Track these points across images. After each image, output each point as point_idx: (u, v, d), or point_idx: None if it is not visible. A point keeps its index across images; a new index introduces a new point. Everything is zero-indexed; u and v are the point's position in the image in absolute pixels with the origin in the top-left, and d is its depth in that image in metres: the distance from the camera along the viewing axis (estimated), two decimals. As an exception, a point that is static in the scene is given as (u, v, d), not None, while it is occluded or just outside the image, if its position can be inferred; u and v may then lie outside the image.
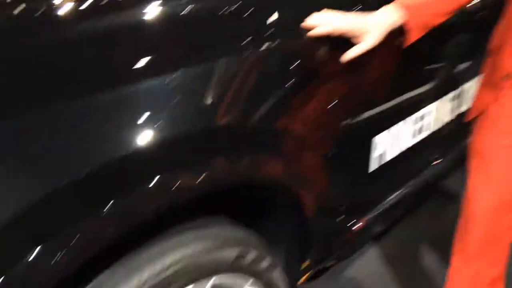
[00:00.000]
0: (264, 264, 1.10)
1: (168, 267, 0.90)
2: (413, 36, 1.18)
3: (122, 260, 0.89)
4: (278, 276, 1.15)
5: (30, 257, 0.71)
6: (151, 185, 0.81)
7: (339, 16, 1.11)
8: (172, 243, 0.94)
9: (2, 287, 0.69)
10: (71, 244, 0.74)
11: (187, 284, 0.94)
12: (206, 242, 0.97)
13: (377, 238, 2.02)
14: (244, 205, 1.25)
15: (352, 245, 1.57)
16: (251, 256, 1.06)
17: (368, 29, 1.12)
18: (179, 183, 0.85)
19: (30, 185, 0.71)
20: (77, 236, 0.75)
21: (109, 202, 0.77)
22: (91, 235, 0.77)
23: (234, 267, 1.03)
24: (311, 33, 1.07)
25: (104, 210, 0.77)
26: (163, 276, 0.89)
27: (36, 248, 0.71)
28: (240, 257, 1.03)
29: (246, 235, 1.09)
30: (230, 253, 1.01)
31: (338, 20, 1.10)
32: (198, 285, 0.97)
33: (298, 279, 1.44)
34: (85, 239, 0.76)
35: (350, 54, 1.13)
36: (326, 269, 1.79)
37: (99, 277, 0.87)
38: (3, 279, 0.69)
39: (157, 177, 0.81)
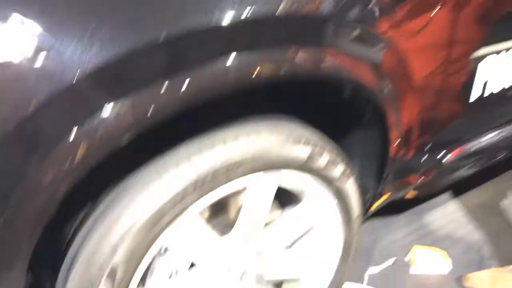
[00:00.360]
0: (337, 171, 1.08)
1: (239, 151, 0.92)
2: None
3: (194, 138, 0.92)
4: (350, 187, 1.13)
5: (103, 112, 0.74)
6: (228, 63, 0.81)
7: None
8: (246, 129, 0.95)
9: (75, 137, 0.73)
10: (140, 106, 0.76)
11: (257, 171, 0.95)
12: (279, 135, 0.97)
13: (468, 184, 1.90)
14: (329, 115, 1.22)
15: (436, 182, 1.49)
16: (324, 159, 1.05)
17: None
18: (259, 67, 0.84)
19: (108, 42, 0.71)
20: (152, 105, 0.77)
21: (186, 79, 0.78)
22: (164, 102, 0.78)
23: (305, 167, 1.02)
24: None
25: (181, 85, 0.78)
26: (233, 158, 0.91)
27: (109, 104, 0.74)
28: (312, 157, 1.02)
29: (322, 138, 1.07)
30: (302, 152, 1.00)
31: None
32: (267, 174, 0.98)
33: (372, 205, 1.41)
34: (158, 106, 0.77)
35: None
36: (405, 203, 1.73)
37: (173, 148, 0.91)
38: (76, 129, 0.73)
39: (234, 54, 0.80)
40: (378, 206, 1.42)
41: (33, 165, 0.73)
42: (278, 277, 1.19)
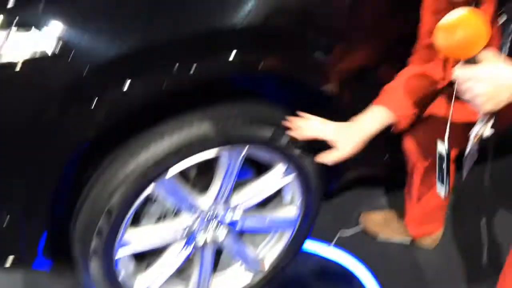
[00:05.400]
0: (296, 151, 1.32)
1: (206, 124, 1.19)
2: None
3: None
4: (309, 164, 1.36)
5: (122, 87, 1.04)
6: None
7: (314, 124, 1.24)
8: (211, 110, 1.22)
9: (96, 106, 1.04)
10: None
11: (223, 145, 1.22)
12: (244, 114, 1.23)
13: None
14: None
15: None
16: (285, 139, 1.29)
17: (341, 140, 1.22)
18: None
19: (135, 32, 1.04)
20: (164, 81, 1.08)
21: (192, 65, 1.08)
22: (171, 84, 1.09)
23: (268, 144, 1.27)
24: (289, 134, 1.26)
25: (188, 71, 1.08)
26: (203, 129, 1.18)
27: (127, 81, 1.04)
28: (274, 137, 1.27)
29: (283, 118, 1.29)
30: (264, 132, 1.25)
31: (310, 130, 1.24)
32: (233, 147, 1.24)
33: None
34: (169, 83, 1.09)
35: (321, 159, 1.25)
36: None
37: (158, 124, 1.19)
38: (96, 100, 1.03)
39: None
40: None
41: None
42: (246, 229, 1.47)
